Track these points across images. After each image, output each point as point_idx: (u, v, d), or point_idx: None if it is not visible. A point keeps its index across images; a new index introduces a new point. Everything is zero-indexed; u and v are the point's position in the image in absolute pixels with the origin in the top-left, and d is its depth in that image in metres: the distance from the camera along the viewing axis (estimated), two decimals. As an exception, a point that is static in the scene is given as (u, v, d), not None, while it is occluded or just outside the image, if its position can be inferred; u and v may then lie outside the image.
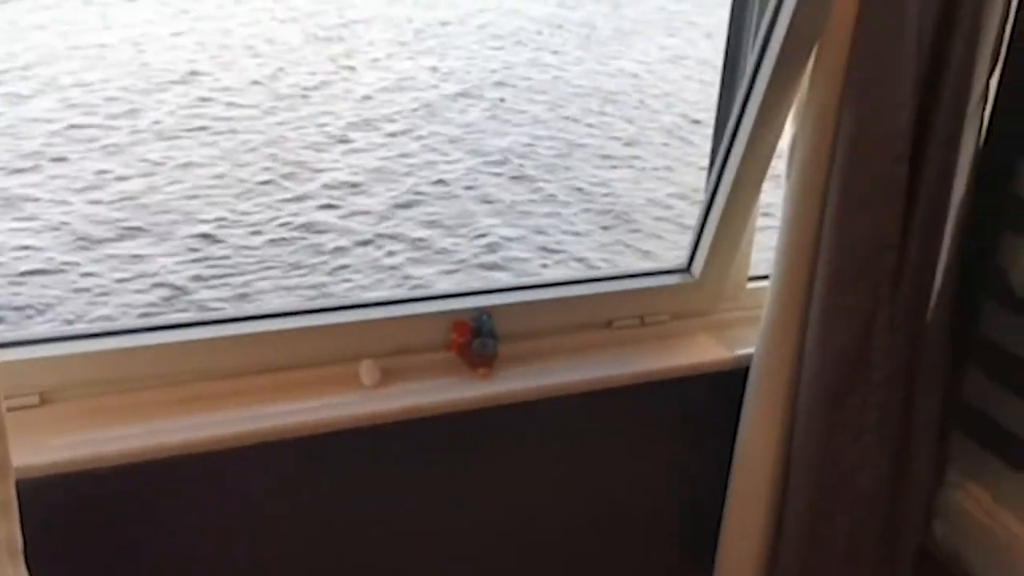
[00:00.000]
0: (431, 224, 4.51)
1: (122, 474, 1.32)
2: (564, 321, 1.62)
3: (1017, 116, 1.48)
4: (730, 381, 1.60)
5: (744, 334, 1.66)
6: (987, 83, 1.40)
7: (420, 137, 5.59)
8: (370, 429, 1.44)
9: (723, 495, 1.66)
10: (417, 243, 4.33)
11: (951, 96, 1.37)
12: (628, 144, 5.71)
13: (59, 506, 1.34)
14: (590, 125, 5.98)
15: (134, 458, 1.31)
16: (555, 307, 1.60)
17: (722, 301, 1.70)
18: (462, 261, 4.20)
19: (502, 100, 6.28)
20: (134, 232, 4.31)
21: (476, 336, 1.51)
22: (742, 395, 1.60)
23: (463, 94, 6.39)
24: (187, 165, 5.01)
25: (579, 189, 5.05)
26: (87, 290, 3.85)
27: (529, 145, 5.57)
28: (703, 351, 1.63)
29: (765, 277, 1.64)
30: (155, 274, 4.00)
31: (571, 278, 1.64)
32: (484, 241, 4.37)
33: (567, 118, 6.08)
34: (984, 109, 1.42)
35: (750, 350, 1.58)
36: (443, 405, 1.46)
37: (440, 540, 1.63)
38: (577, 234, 4.54)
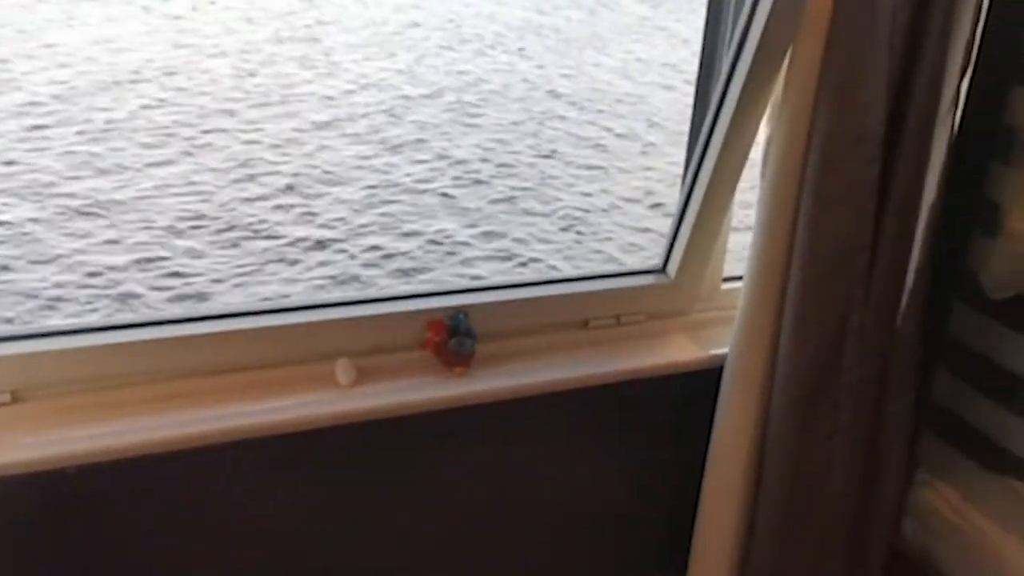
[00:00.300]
0: (387, 228, 4.48)
1: (96, 473, 1.30)
2: (541, 321, 1.62)
3: (987, 119, 1.51)
4: (705, 381, 1.61)
5: (719, 334, 1.67)
6: (958, 86, 1.42)
7: (384, 139, 5.57)
8: (346, 428, 1.43)
9: (697, 493, 1.67)
10: (373, 248, 4.30)
11: (923, 98, 1.40)
12: (590, 147, 5.73)
13: (31, 505, 1.32)
14: (555, 129, 5.99)
15: (108, 457, 1.29)
16: (532, 307, 1.60)
17: (697, 301, 1.71)
18: (419, 268, 4.18)
19: (467, 103, 6.27)
20: (86, 233, 4.25)
21: (453, 335, 1.50)
22: (717, 395, 1.61)
23: (429, 97, 6.38)
24: (147, 165, 4.94)
25: (541, 192, 5.06)
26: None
27: (491, 149, 5.56)
28: (678, 351, 1.64)
29: (740, 278, 1.66)
30: (101, 275, 3.94)
31: (548, 278, 1.65)
32: (443, 247, 4.36)
33: (534, 122, 6.09)
34: (956, 112, 1.45)
35: (725, 350, 1.60)
36: (420, 404, 1.46)
37: (416, 538, 1.62)
38: (538, 238, 4.54)
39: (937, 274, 1.56)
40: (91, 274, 3.95)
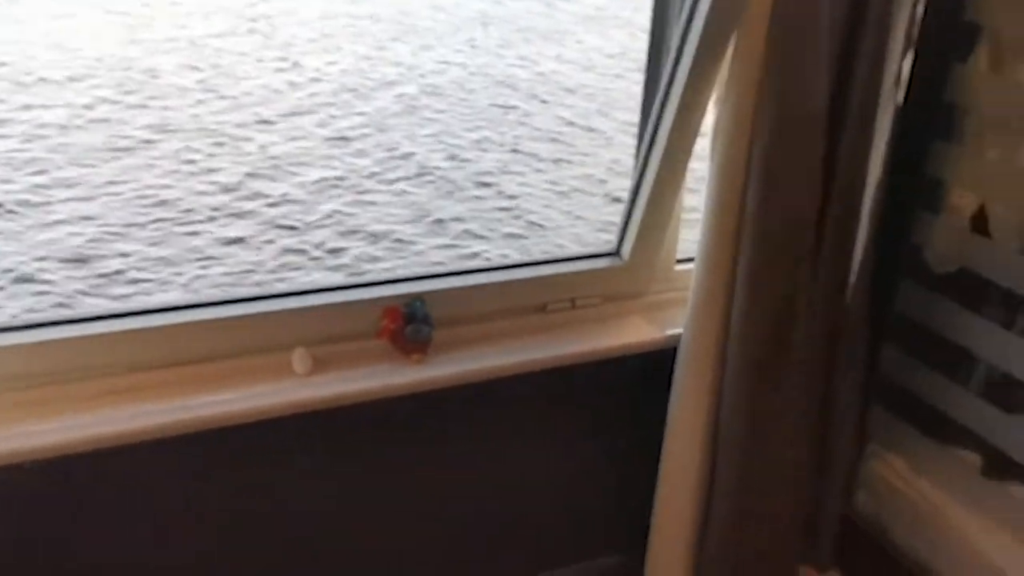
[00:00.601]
0: (338, 222, 4.45)
1: (51, 468, 1.29)
2: (498, 306, 1.62)
3: (929, 96, 1.54)
4: (661, 361, 1.63)
5: (674, 315, 1.69)
6: (900, 67, 1.45)
7: (334, 132, 5.52)
8: (303, 417, 1.43)
9: (655, 471, 1.69)
10: (322, 242, 4.26)
11: (865, 78, 1.42)
12: (541, 137, 5.73)
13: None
14: (506, 120, 5.98)
15: (63, 451, 1.28)
16: (489, 292, 1.61)
17: (651, 283, 1.73)
18: (367, 260, 4.16)
19: (418, 95, 6.25)
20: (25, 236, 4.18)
21: (409, 322, 1.51)
22: (673, 375, 1.63)
23: (376, 89, 6.34)
24: (93, 163, 4.86)
25: (489, 181, 5.05)
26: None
27: (441, 141, 5.55)
28: (633, 332, 1.66)
29: (693, 259, 1.68)
30: (39, 274, 3.88)
31: (504, 263, 1.66)
32: (392, 239, 4.33)
33: (484, 113, 6.08)
34: (899, 90, 1.48)
35: (679, 330, 1.62)
36: (377, 392, 1.46)
37: (375, 526, 1.62)
38: (488, 227, 4.54)
39: (884, 250, 1.60)
40: (22, 278, 3.88)
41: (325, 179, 4.92)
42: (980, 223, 1.55)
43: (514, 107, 6.24)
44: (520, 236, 4.53)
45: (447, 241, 4.41)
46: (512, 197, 4.93)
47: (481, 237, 4.48)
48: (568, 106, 6.33)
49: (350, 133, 5.56)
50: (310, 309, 1.50)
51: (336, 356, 1.50)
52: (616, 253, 1.71)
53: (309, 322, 1.50)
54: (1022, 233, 1.50)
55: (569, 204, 4.90)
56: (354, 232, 4.40)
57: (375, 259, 4.20)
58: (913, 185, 1.60)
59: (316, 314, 1.50)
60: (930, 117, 1.56)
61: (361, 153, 5.30)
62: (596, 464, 1.77)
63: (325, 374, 1.46)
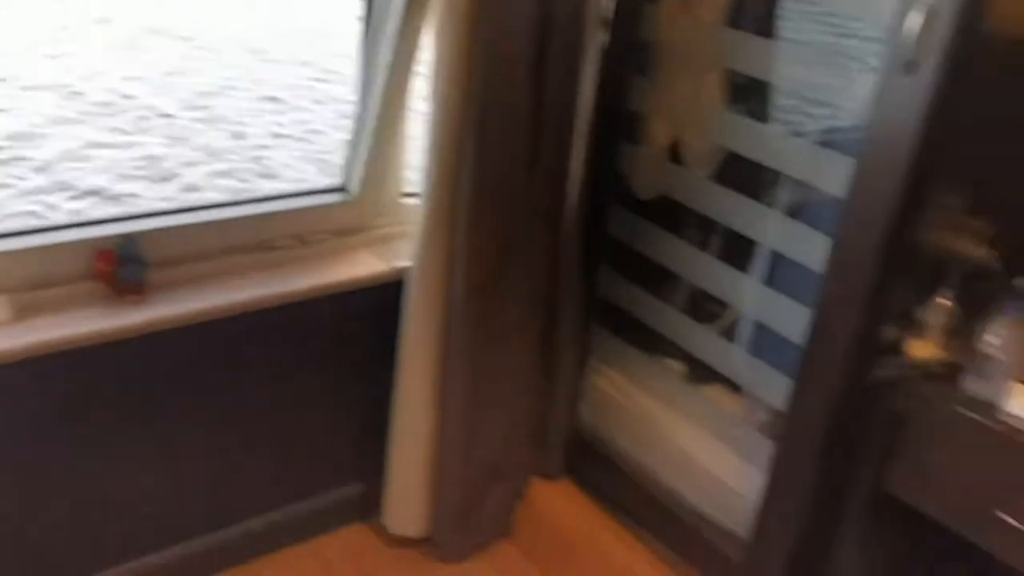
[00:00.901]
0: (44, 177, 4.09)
1: None
2: (220, 244, 1.58)
3: (629, 37, 1.65)
4: (390, 293, 1.67)
5: (401, 248, 1.73)
6: (602, 7, 1.55)
7: (45, 78, 5.05)
8: (11, 367, 1.33)
9: (391, 400, 1.73)
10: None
11: (568, 18, 1.51)
12: (277, 85, 5.54)
13: None
14: (243, 62, 5.74)
15: None
16: (209, 230, 1.57)
17: (379, 217, 1.75)
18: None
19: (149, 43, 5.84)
20: None
21: (122, 263, 1.44)
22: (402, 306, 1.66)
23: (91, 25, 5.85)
24: None
25: (222, 129, 4.84)
26: None
27: (169, 84, 5.24)
28: (362, 266, 1.68)
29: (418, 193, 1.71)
30: None
31: (224, 200, 1.61)
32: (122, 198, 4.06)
33: (215, 57, 5.79)
34: (604, 32, 1.58)
35: (408, 263, 1.65)
36: (89, 336, 1.39)
37: (102, 472, 1.55)
38: (232, 177, 4.36)
39: (595, 180, 1.71)
40: None
41: (32, 126, 4.50)
42: (675, 152, 1.69)
43: (259, 50, 5.99)
44: (254, 181, 4.38)
45: (173, 192, 4.18)
46: (255, 147, 4.74)
47: (212, 185, 4.28)
48: (313, 49, 6.17)
49: (65, 77, 5.12)
50: (9, 253, 1.40)
51: (44, 302, 1.41)
52: (343, 188, 1.72)
53: (11, 267, 1.40)
54: (710, 161, 1.65)
55: (307, 148, 4.80)
56: (69, 187, 4.06)
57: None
58: (618, 119, 1.72)
59: (16, 258, 1.40)
60: (630, 54, 1.67)
61: (74, 96, 4.89)
62: (333, 397, 1.78)
63: (29, 321, 1.37)
